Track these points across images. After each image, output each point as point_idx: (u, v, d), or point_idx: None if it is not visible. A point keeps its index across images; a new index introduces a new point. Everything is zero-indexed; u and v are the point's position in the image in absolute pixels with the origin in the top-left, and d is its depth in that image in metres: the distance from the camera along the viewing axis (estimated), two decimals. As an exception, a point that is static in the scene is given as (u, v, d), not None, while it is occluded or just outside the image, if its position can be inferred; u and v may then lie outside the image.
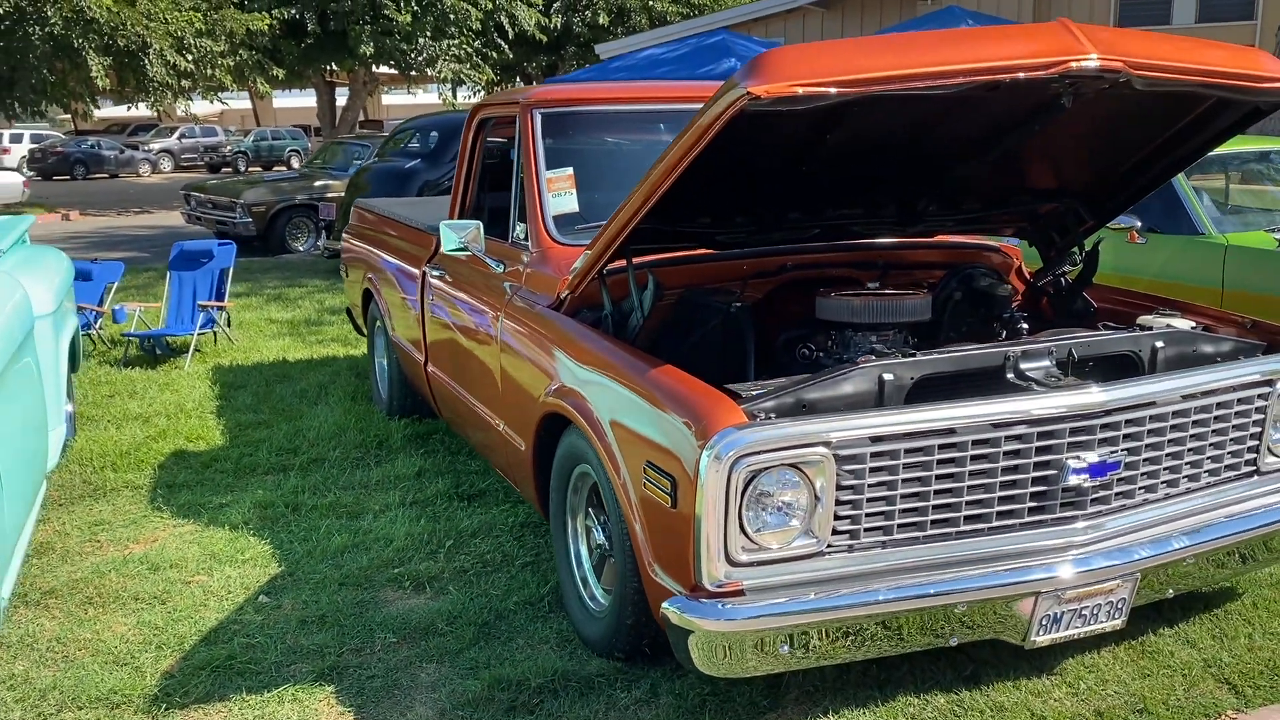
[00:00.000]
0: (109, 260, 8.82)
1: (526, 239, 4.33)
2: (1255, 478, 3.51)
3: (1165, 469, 3.29)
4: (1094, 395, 3.06)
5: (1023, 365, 3.26)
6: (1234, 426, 3.40)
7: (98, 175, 34.82)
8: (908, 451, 2.93)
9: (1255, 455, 3.48)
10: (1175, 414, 3.24)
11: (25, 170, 34.02)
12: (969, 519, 3.05)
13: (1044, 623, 3.11)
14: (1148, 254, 6.05)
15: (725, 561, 2.85)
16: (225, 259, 8.35)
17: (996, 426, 3.01)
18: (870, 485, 2.93)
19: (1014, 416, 3.01)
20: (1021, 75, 2.94)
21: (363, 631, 3.75)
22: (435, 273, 5.16)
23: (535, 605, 3.89)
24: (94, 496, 5.21)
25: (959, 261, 4.39)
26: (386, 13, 23.99)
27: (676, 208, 3.69)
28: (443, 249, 4.45)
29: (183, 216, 15.71)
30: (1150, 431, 3.20)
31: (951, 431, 2.98)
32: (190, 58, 23.51)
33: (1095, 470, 3.09)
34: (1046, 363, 3.29)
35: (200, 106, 37.52)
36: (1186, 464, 3.34)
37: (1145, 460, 3.23)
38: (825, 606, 2.89)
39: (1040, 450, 3.04)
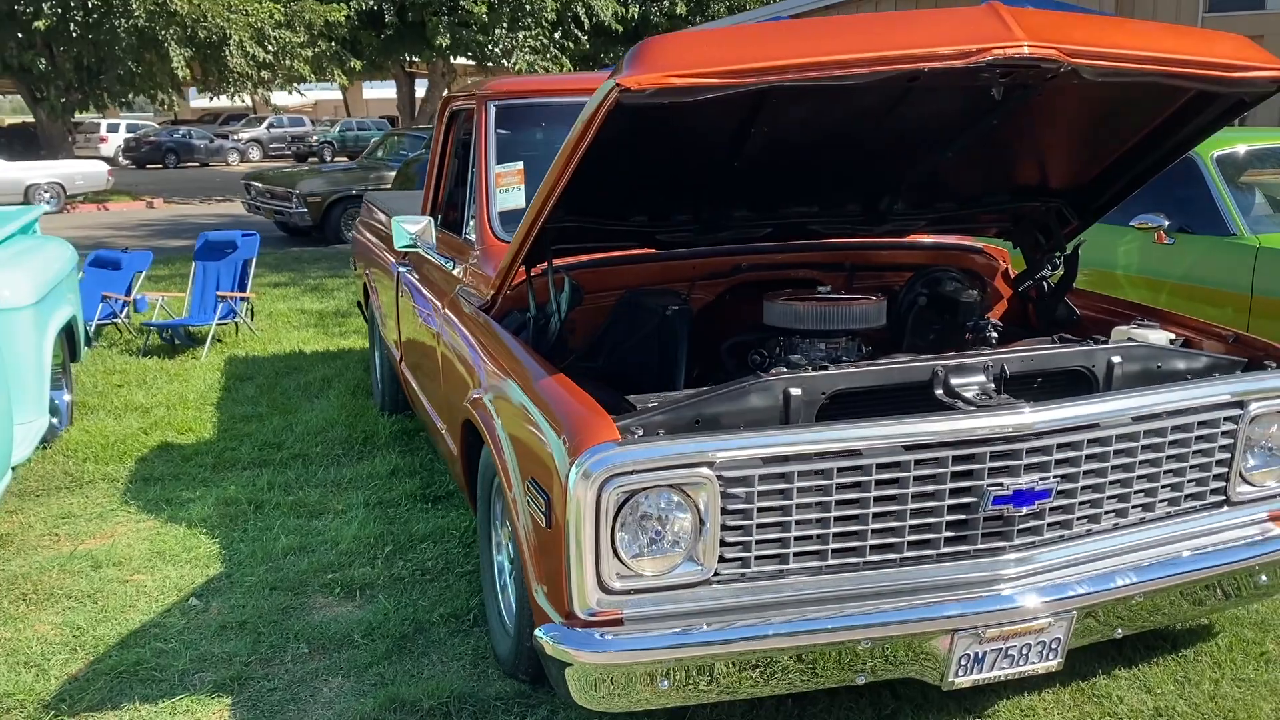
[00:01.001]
0: (139, 250, 8.91)
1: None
2: (1225, 509, 3.18)
3: (1112, 498, 2.99)
4: (1021, 417, 2.78)
5: (954, 381, 2.99)
6: (1197, 452, 3.08)
7: (188, 164, 35.71)
8: (804, 474, 2.69)
9: (1224, 484, 3.15)
10: (1122, 438, 2.94)
11: (121, 159, 35.12)
12: (877, 549, 2.80)
13: (964, 663, 2.85)
14: (1175, 256, 5.65)
15: (598, 588, 2.65)
16: (249, 250, 8.38)
17: (909, 449, 2.76)
18: (761, 510, 2.69)
19: (926, 438, 2.75)
20: (939, 64, 2.68)
21: (278, 640, 3.64)
22: (404, 269, 5.04)
23: (460, 619, 3.74)
24: (70, 488, 5.21)
25: (933, 264, 4.10)
26: (463, 4, 24.12)
27: (600, 205, 3.50)
28: (395, 244, 4.31)
29: (243, 206, 15.93)
30: (1091, 457, 2.91)
31: (856, 453, 2.74)
32: (269, 49, 23.94)
33: (1022, 498, 2.81)
34: (981, 378, 3.01)
35: (294, 98, 38.30)
36: (1139, 492, 3.04)
37: (1086, 488, 2.93)
38: (707, 641, 2.67)
39: (957, 476, 2.78)
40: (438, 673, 3.39)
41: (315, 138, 38.92)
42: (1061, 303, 4.00)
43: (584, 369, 3.72)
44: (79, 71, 23.54)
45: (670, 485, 2.64)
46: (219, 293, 8.05)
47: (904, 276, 4.06)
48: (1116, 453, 2.95)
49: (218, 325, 8.08)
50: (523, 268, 3.57)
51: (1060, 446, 2.84)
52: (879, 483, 2.74)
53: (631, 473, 2.59)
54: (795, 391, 2.86)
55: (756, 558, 2.73)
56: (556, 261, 3.77)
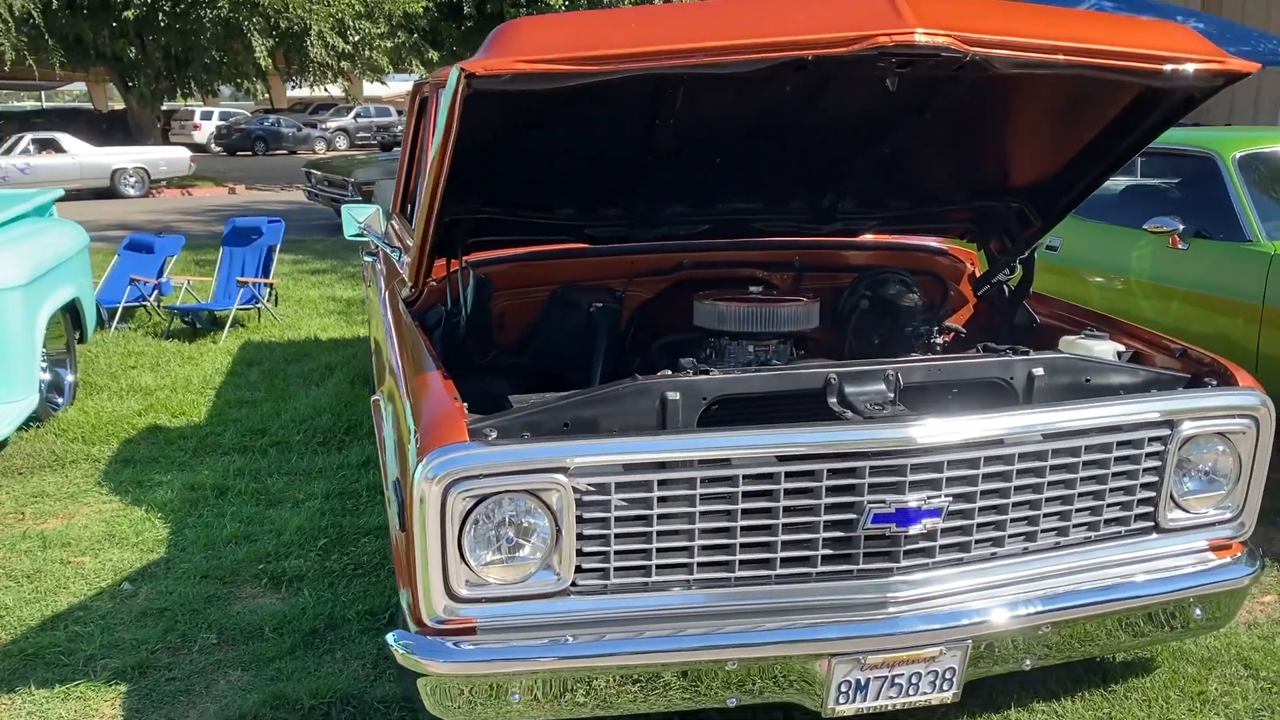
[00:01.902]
0: (171, 234, 9.06)
1: (420, 226, 4.09)
2: (1154, 535, 2.95)
3: (1019, 520, 2.79)
4: (904, 430, 2.60)
5: (848, 389, 2.82)
6: (1118, 474, 2.86)
7: (277, 151, 36.45)
8: (666, 483, 2.55)
9: (1153, 509, 2.93)
10: (1028, 456, 2.74)
11: (213, 145, 36.07)
12: (749, 564, 2.65)
13: (845, 690, 2.69)
14: (1188, 262, 5.32)
15: (446, 595, 2.55)
16: (274, 236, 8.46)
17: (782, 459, 2.60)
18: (621, 520, 2.57)
19: (799, 448, 2.59)
20: (823, 53, 2.51)
21: (191, 629, 3.62)
22: (370, 258, 5.00)
23: (376, 616, 3.67)
24: (52, 467, 5.29)
25: (886, 265, 3.91)
26: (542, -4, 24.19)
27: (517, 197, 3.40)
28: (344, 233, 4.27)
29: (304, 194, 16.16)
30: (991, 476, 2.71)
31: (724, 462, 2.59)
32: (350, 40, 24.33)
33: (907, 517, 2.63)
34: (879, 388, 2.84)
35: (384, 89, 38.88)
36: (1051, 515, 2.83)
37: (987, 509, 2.74)
38: (560, 655, 2.56)
39: (835, 490, 2.61)
40: (333, 671, 3.33)
41: (400, 127, 39.46)
42: (1020, 308, 3.78)
43: (510, 366, 3.64)
44: (167, 60, 24.20)
45: (523, 491, 2.52)
46: (239, 279, 8.14)
47: (853, 277, 3.88)
48: (1022, 472, 2.75)
49: (239, 310, 8.16)
50: (445, 260, 3.49)
51: (953, 464, 2.66)
52: (748, 494, 2.59)
53: (479, 476, 2.48)
54: (673, 396, 2.72)
55: (617, 569, 2.60)
56: (491, 254, 3.69)
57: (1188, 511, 2.97)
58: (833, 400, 2.81)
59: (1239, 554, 3.05)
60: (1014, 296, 3.80)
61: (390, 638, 2.62)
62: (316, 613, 3.69)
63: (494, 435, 2.56)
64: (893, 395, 2.82)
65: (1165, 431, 2.86)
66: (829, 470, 2.59)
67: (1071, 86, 3.13)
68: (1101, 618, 2.85)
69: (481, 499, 2.51)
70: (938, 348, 3.63)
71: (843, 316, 3.79)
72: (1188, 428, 2.88)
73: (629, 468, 2.55)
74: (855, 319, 3.76)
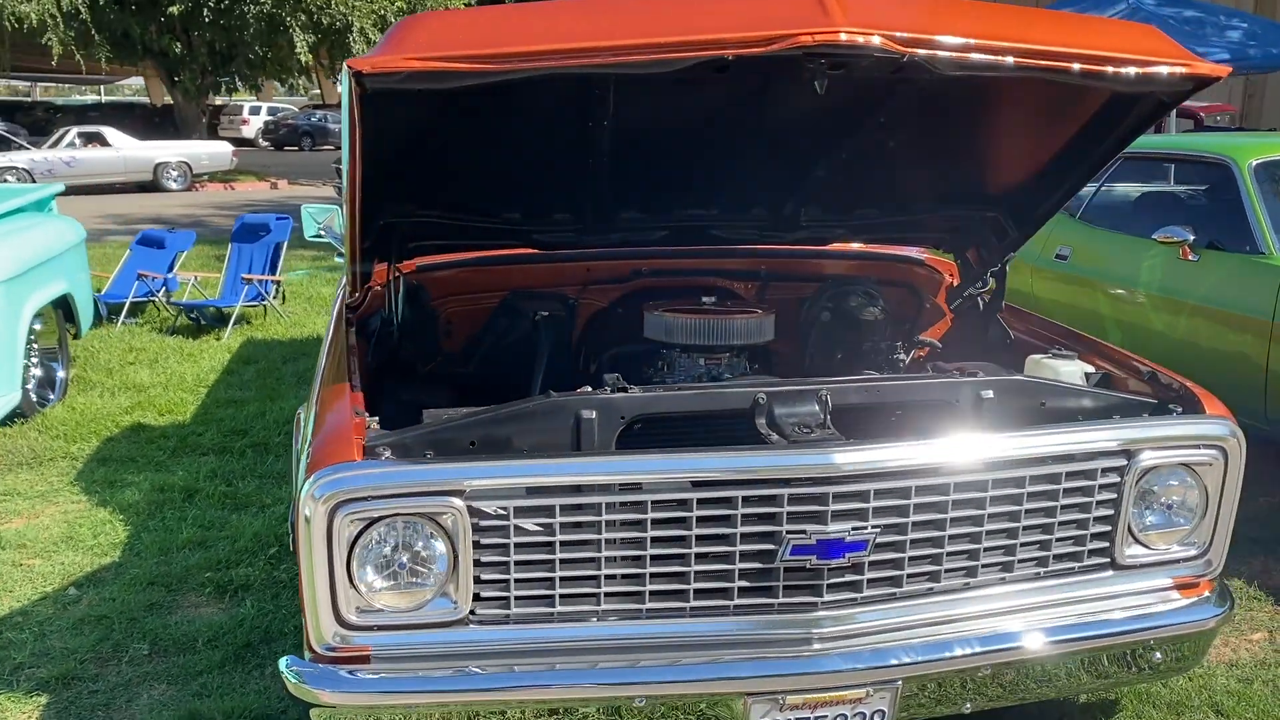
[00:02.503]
0: (183, 230, 9.06)
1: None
2: (1110, 572, 2.74)
3: (957, 554, 2.61)
4: (825, 455, 2.43)
5: (778, 410, 2.65)
6: (1070, 506, 2.66)
7: (324, 147, 36.72)
8: (569, 509, 2.40)
9: (1109, 544, 2.73)
10: (966, 485, 2.55)
11: (260, 140, 36.45)
12: (660, 595, 2.49)
13: (764, 730, 2.52)
14: (1198, 274, 5.06)
15: (336, 621, 2.42)
16: (281, 233, 8.42)
17: (697, 485, 2.44)
18: (522, 546, 2.42)
19: (711, 473, 2.43)
20: (743, 52, 2.35)
21: (125, 639, 3.53)
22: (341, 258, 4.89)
23: (314, 630, 3.55)
24: (30, 464, 5.25)
25: (854, 275, 3.73)
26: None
27: (456, 201, 3.27)
28: (304, 233, 4.16)
29: (333, 189, 16.19)
30: (925, 506, 2.53)
31: (635, 487, 2.44)
32: (392, 36, 24.34)
33: (830, 549, 2.46)
34: (812, 409, 2.67)
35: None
36: (994, 550, 2.64)
37: (921, 541, 2.56)
38: (457, 688, 2.42)
39: (751, 519, 2.44)
40: (258, 689, 3.22)
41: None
42: (994, 323, 3.57)
43: (454, 376, 3.52)
44: (212, 55, 24.42)
45: (416, 514, 2.39)
46: (245, 275, 8.10)
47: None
48: (960, 503, 2.56)
49: (245, 307, 8.12)
50: (386, 265, 3.37)
51: (881, 493, 2.48)
52: (659, 522, 2.43)
53: (368, 498, 2.35)
54: (588, 414, 2.57)
55: (519, 599, 2.46)
56: (439, 258, 3.57)
57: (1149, 548, 2.76)
58: (761, 421, 2.65)
59: (1206, 594, 2.83)
60: (987, 310, 3.60)
61: (283, 664, 2.50)
62: (254, 625, 3.58)
63: (388, 454, 2.43)
64: (823, 417, 2.64)
65: (1121, 461, 2.66)
66: (744, 498, 2.42)
67: (1038, 91, 2.93)
68: (1048, 659, 2.65)
69: (372, 521, 2.37)
70: (902, 364, 3.44)
71: (803, 330, 3.61)
72: (1148, 458, 2.68)
73: (532, 491, 2.41)
74: (816, 333, 3.58)
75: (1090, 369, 3.10)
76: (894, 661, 2.52)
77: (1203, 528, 2.78)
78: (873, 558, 2.51)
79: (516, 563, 2.42)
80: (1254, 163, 5.06)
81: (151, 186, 21.34)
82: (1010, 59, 2.51)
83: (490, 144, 2.98)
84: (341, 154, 2.96)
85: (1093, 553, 2.73)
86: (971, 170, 3.43)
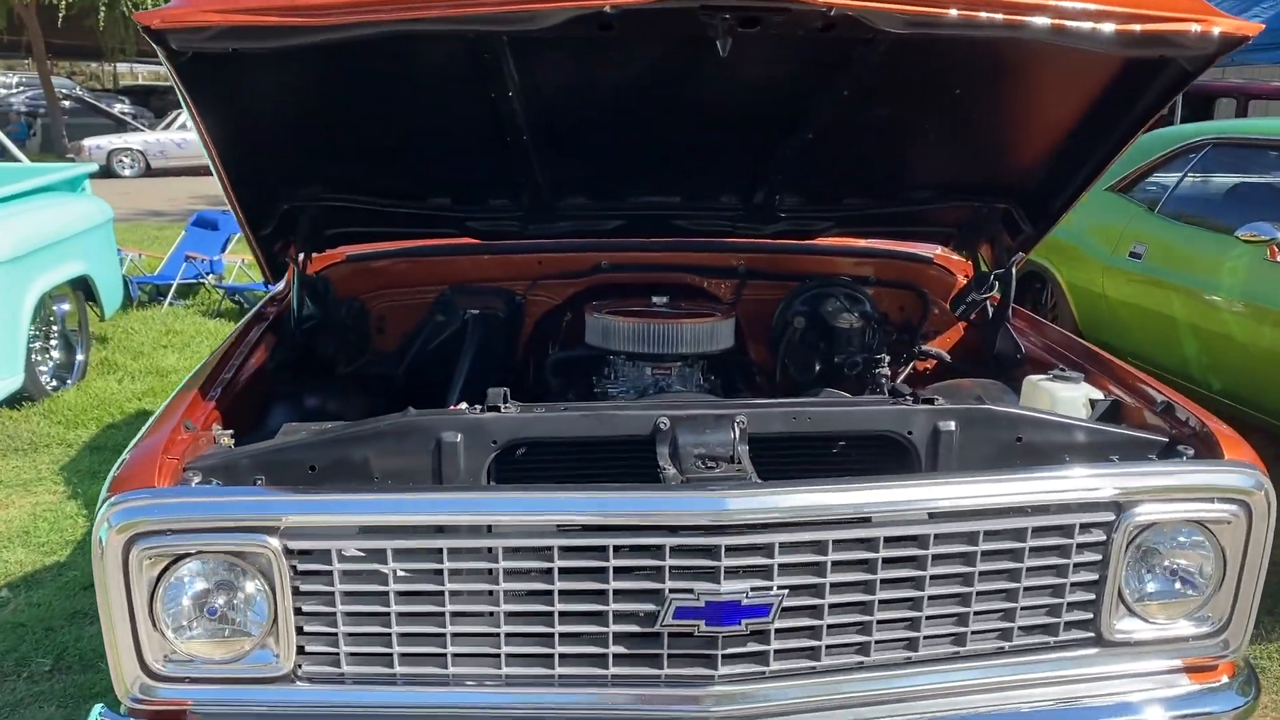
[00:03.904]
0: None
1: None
2: (1094, 650, 2.22)
3: (893, 622, 2.13)
4: (717, 499, 1.98)
5: (683, 439, 2.21)
6: (1040, 569, 2.15)
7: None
8: (404, 554, 2.01)
9: (1092, 616, 2.20)
10: (901, 540, 2.07)
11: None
12: (518, 659, 2.08)
13: (646, 827, 2.09)
14: (1287, 277, 4.40)
15: (141, 671, 2.07)
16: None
17: (564, 530, 2.03)
18: (350, 596, 2.04)
19: (579, 517, 2.01)
20: (623, 4, 1.91)
21: (33, 651, 3.30)
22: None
23: (229, 652, 3.24)
24: (25, 450, 5.12)
25: (840, 274, 3.24)
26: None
27: (371, 183, 2.91)
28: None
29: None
30: (848, 564, 2.06)
31: (484, 530, 2.04)
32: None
33: (721, 613, 2.01)
34: (724, 437, 2.22)
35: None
36: (941, 618, 2.15)
37: (845, 606, 2.09)
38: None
39: (626, 574, 2.01)
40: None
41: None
42: (1004, 334, 3.04)
43: (378, 378, 3.17)
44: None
45: (226, 553, 2.03)
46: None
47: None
48: (895, 561, 2.08)
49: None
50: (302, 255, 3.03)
51: (790, 546, 2.02)
52: (513, 573, 2.02)
53: (170, 531, 2.00)
54: (450, 438, 2.18)
55: (351, 655, 2.07)
56: (369, 248, 3.23)
57: (1147, 621, 2.23)
58: (663, 451, 2.21)
59: (1225, 678, 2.29)
60: (995, 319, 3.07)
61: (95, 712, 2.17)
62: (168, 644, 3.29)
63: (198, 479, 2.08)
64: (734, 451, 2.19)
65: (1109, 516, 2.14)
66: (617, 547, 1.99)
67: (1040, 60, 2.44)
68: (1007, 757, 2.16)
69: (177, 558, 2.02)
70: (880, 383, 2.95)
71: (774, 337, 3.14)
72: (1146, 511, 2.15)
73: (365, 530, 2.02)
74: (789, 341, 3.10)
75: (1099, 395, 2.57)
76: (804, 751, 2.07)
77: (1219, 600, 2.24)
78: (781, 624, 2.05)
79: (347, 614, 2.04)
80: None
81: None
82: (1001, 16, 2.01)
83: (383, 118, 2.60)
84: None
85: (1073, 625, 2.21)
86: (972, 154, 2.91)
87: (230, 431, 2.37)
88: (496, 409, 2.23)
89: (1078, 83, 2.51)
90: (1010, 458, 2.31)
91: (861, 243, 3.39)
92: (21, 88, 29.48)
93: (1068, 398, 2.54)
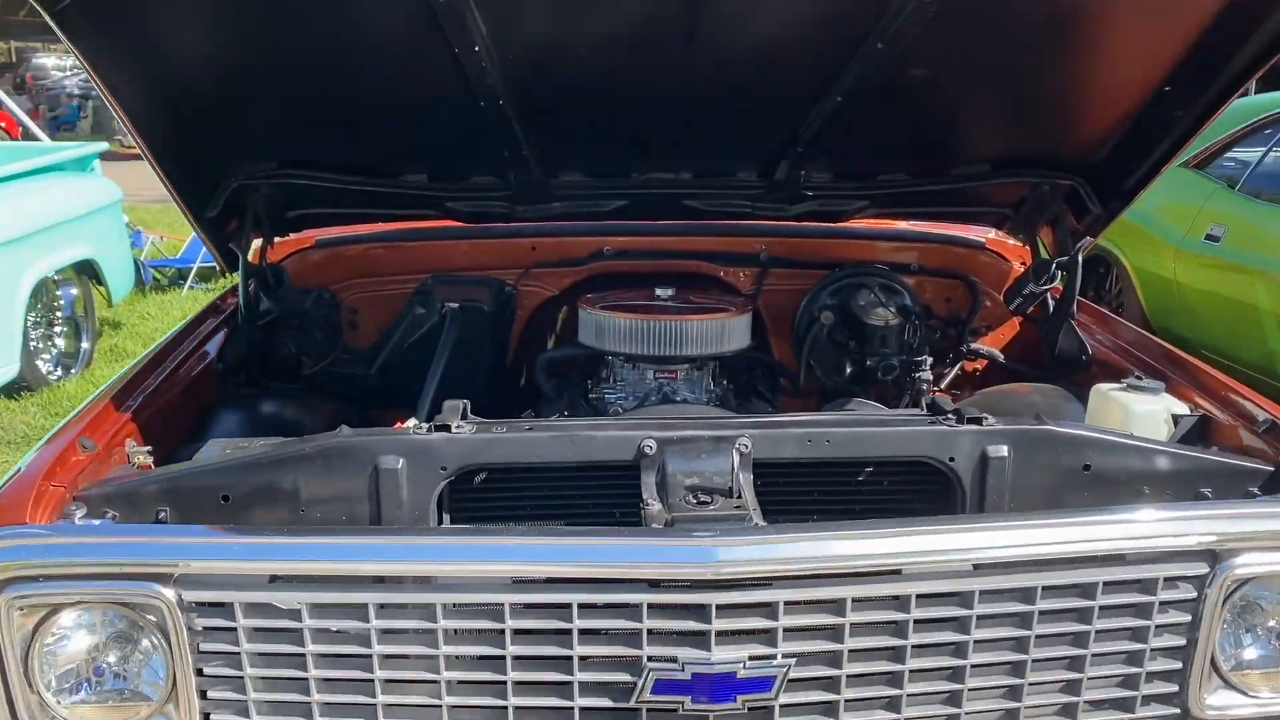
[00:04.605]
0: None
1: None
2: (1181, 730, 1.81)
3: (929, 696, 1.73)
4: (706, 546, 1.59)
5: (672, 466, 1.82)
6: (1111, 632, 1.74)
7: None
8: (323, 609, 1.65)
9: (1178, 687, 1.79)
10: (935, 598, 1.67)
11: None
12: (467, 735, 1.71)
13: None
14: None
15: (19, 737, 1.74)
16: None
17: (520, 584, 1.65)
18: (261, 657, 1.68)
19: (537, 568, 1.64)
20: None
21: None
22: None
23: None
24: (17, 444, 4.89)
25: (877, 261, 2.83)
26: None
27: (328, 158, 2.55)
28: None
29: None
30: (871, 626, 1.66)
31: (425, 582, 1.67)
32: None
33: (712, 687, 1.63)
34: (722, 465, 1.83)
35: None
36: (988, 690, 1.74)
37: (868, 677, 1.69)
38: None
39: (594, 637, 1.63)
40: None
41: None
42: (1067, 332, 2.62)
43: (348, 379, 2.82)
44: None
45: (116, 603, 1.68)
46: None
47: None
48: (928, 624, 1.68)
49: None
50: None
51: (796, 605, 1.62)
52: (457, 635, 1.65)
53: (42, 578, 1.65)
54: (389, 464, 1.81)
55: (267, 722, 1.72)
56: (340, 231, 2.89)
57: (1246, 694, 1.81)
58: (648, 481, 1.83)
59: (1343, 765, 1.86)
60: (1056, 314, 2.64)
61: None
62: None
63: (81, 513, 1.73)
64: (733, 481, 1.79)
65: (1201, 568, 1.72)
66: (582, 605, 1.61)
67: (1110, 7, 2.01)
68: None
69: (55, 609, 1.68)
70: (923, 389, 2.54)
71: (798, 335, 2.74)
72: (1247, 562, 1.73)
73: (275, 581, 1.66)
74: (815, 339, 2.69)
75: (1184, 408, 2.14)
76: None
77: (1337, 668, 1.81)
78: (787, 700, 1.66)
79: (257, 679, 1.68)
80: None
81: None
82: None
83: (332, 76, 2.23)
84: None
85: (1153, 699, 1.79)
86: (1032, 120, 2.48)
87: (147, 449, 2.03)
88: (447, 428, 1.85)
89: (1161, 31, 2.08)
90: (1076, 490, 1.90)
91: (901, 225, 2.98)
92: (75, 70, 29.72)
93: (1145, 412, 2.11)
